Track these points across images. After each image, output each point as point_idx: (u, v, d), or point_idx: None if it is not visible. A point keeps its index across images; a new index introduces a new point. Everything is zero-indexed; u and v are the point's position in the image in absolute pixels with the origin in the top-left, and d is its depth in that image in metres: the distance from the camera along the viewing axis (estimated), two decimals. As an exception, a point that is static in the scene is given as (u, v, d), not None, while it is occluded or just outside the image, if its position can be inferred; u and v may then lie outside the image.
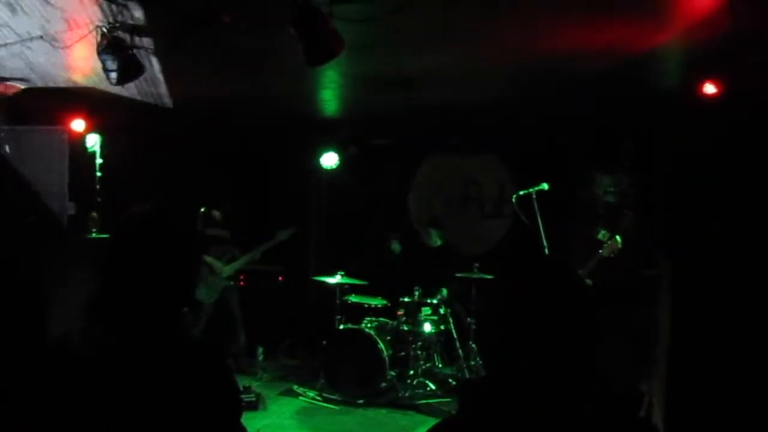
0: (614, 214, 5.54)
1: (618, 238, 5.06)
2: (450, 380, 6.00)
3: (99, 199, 6.00)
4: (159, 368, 1.44)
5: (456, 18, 3.93)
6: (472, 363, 6.04)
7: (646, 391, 4.80)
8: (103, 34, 3.99)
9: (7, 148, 5.22)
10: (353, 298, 6.32)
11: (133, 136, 6.35)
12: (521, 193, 5.13)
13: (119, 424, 1.40)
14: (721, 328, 4.40)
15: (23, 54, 4.56)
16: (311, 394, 5.87)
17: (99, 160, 6.15)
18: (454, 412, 1.44)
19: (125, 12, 3.84)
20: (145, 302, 1.49)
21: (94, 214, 5.68)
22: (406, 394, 5.70)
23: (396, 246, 6.76)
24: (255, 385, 5.87)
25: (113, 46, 3.99)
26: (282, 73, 5.06)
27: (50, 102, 5.64)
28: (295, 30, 3.50)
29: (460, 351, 6.04)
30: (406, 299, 6.07)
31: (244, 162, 7.51)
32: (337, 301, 6.22)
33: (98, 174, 6.12)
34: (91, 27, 4.02)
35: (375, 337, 5.74)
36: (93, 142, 6.16)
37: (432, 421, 5.10)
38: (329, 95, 6.12)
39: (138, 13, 3.89)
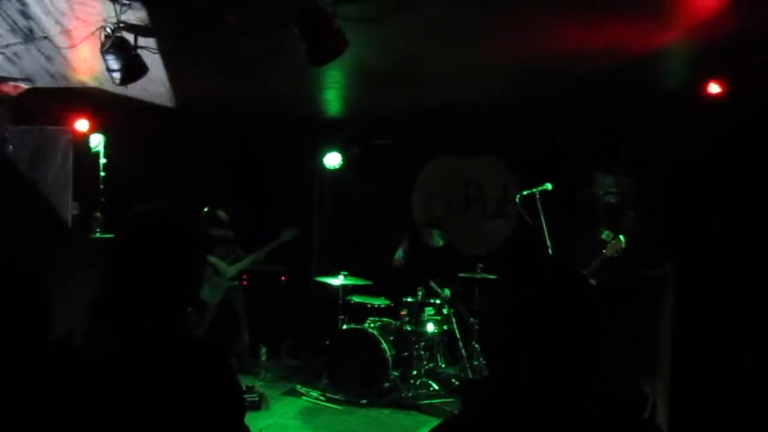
0: (616, 214, 5.53)
1: (622, 237, 5.05)
2: (453, 380, 5.99)
3: (103, 199, 6.02)
4: (162, 368, 1.44)
5: (458, 18, 3.93)
6: (475, 363, 6.04)
7: (650, 392, 4.79)
8: (107, 35, 3.99)
9: (11, 148, 5.23)
10: (356, 298, 6.32)
11: (137, 136, 6.36)
12: (524, 193, 5.12)
13: (122, 424, 1.40)
14: (725, 328, 4.39)
15: (27, 54, 4.57)
16: (314, 394, 5.88)
17: (103, 160, 6.17)
18: (456, 412, 1.44)
19: (129, 12, 3.85)
20: (148, 302, 1.49)
21: (98, 214, 5.69)
22: (409, 395, 5.70)
23: (399, 254, 6.73)
24: (258, 385, 5.88)
25: (117, 46, 4.00)
26: (285, 73, 5.07)
27: (54, 102, 5.66)
28: (298, 30, 3.51)
29: (463, 351, 6.03)
30: (409, 299, 6.07)
31: (248, 162, 7.52)
32: (340, 301, 6.22)
33: (102, 174, 6.13)
34: (95, 27, 4.03)
35: (378, 337, 5.74)
36: (97, 142, 6.17)
37: (435, 422, 5.09)
38: (332, 95, 6.12)
39: (142, 14, 3.90)
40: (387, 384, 5.68)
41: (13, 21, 3.98)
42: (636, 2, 3.66)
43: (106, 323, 1.48)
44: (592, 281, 4.95)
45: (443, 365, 6.13)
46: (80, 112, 6.01)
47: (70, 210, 5.39)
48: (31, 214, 5.10)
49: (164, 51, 4.46)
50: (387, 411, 5.54)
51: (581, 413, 1.34)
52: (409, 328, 5.95)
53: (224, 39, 4.24)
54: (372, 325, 6.00)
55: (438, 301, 6.11)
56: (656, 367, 4.80)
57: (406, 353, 5.90)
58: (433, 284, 6.04)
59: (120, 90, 4.78)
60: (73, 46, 4.34)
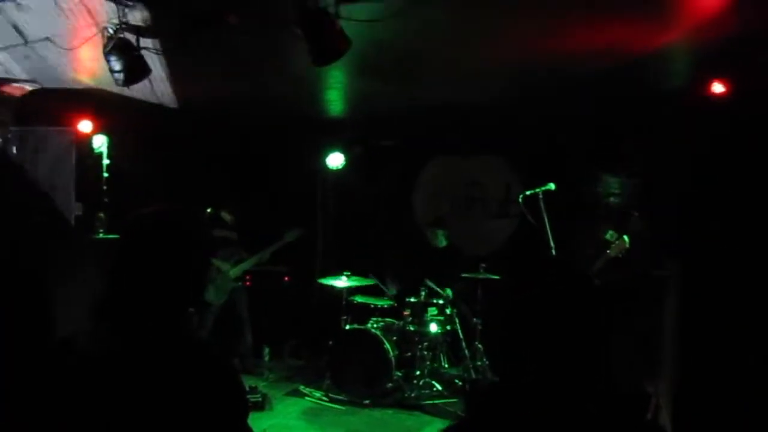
0: (620, 214, 5.51)
1: (626, 238, 5.03)
2: (456, 381, 5.98)
3: (106, 200, 6.03)
4: (166, 369, 1.44)
5: (459, 17, 3.93)
6: (479, 363, 6.03)
7: (653, 392, 4.78)
8: (109, 36, 4.00)
9: (14, 149, 5.25)
10: (359, 299, 6.32)
11: (140, 137, 6.37)
12: (528, 193, 5.11)
13: (126, 424, 1.40)
14: (728, 329, 4.38)
15: (31, 56, 4.58)
16: (317, 394, 5.87)
17: (106, 161, 6.18)
18: (460, 413, 1.44)
19: (131, 13, 3.85)
20: (152, 303, 1.49)
21: (101, 214, 5.71)
22: (413, 395, 5.69)
23: (390, 289, 6.67)
24: (261, 386, 5.87)
25: (119, 47, 4.00)
26: (287, 73, 5.07)
27: (57, 103, 5.67)
28: (300, 30, 3.51)
29: (466, 351, 6.02)
30: (412, 299, 6.07)
31: (251, 163, 7.52)
32: (343, 302, 6.22)
33: (105, 175, 6.15)
34: (98, 28, 4.04)
35: (381, 337, 5.73)
36: (100, 143, 6.19)
37: (438, 422, 5.07)
38: (334, 95, 6.13)
39: (144, 14, 3.90)
40: (390, 384, 5.67)
41: (16, 22, 3.99)
42: (638, 2, 3.65)
43: (110, 324, 1.49)
44: (596, 281, 4.95)
45: (446, 365, 6.13)
46: (83, 113, 6.02)
47: (73, 210, 5.42)
48: (34, 214, 5.11)
49: (167, 52, 4.47)
50: (390, 411, 5.54)
51: (583, 413, 1.34)
52: (412, 329, 5.94)
53: (227, 39, 4.24)
54: (375, 325, 6.00)
55: (441, 302, 6.10)
56: (660, 367, 4.79)
57: (409, 353, 5.89)
58: (430, 283, 6.02)
59: (123, 91, 4.79)
60: (75, 48, 4.35)
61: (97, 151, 6.15)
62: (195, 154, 6.90)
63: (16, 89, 5.39)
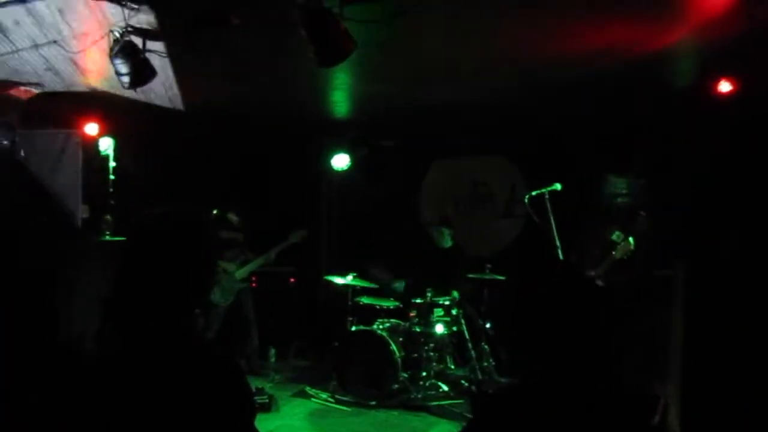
0: (628, 215, 5.49)
1: (631, 239, 5.02)
2: (462, 382, 5.97)
3: (112, 202, 6.05)
4: (173, 370, 1.44)
5: (464, 17, 3.92)
6: (485, 364, 6.02)
7: (661, 393, 4.76)
8: (115, 39, 4.02)
9: (21, 152, 5.27)
10: (365, 300, 6.32)
11: (146, 139, 6.39)
12: (534, 193, 5.10)
13: (133, 426, 1.40)
14: (735, 329, 4.35)
15: (37, 59, 4.60)
16: (324, 395, 5.88)
17: (112, 164, 6.20)
18: (466, 414, 1.44)
19: (137, 16, 3.86)
20: (158, 305, 1.49)
21: (108, 216, 5.72)
22: (419, 396, 5.69)
23: (398, 285, 6.70)
24: (267, 387, 5.88)
25: (125, 50, 4.02)
26: (293, 75, 5.08)
27: (64, 106, 5.70)
28: (306, 32, 3.51)
29: (472, 352, 6.01)
30: (418, 300, 6.06)
31: (256, 164, 7.53)
32: (349, 303, 6.22)
33: (111, 177, 6.17)
34: (104, 31, 4.05)
35: (387, 338, 5.73)
36: (106, 145, 6.21)
37: (444, 423, 5.06)
38: (339, 96, 6.13)
39: (150, 17, 3.91)
40: (396, 385, 5.67)
41: (23, 26, 4.01)
42: (644, 1, 3.64)
43: (117, 325, 1.49)
44: (602, 282, 4.93)
45: (452, 366, 6.11)
46: (89, 115, 6.04)
47: (80, 213, 5.43)
48: (41, 216, 5.13)
49: (172, 54, 4.49)
50: (396, 412, 5.53)
51: (590, 413, 1.33)
52: (418, 330, 5.93)
53: (232, 42, 4.26)
54: (381, 326, 5.99)
55: (447, 302, 6.09)
56: (667, 368, 4.77)
57: (415, 355, 5.88)
58: (428, 294, 6.00)
59: (129, 93, 4.81)
60: (82, 51, 4.37)
61: (103, 153, 6.18)
62: (201, 156, 6.92)
63: (22, 92, 5.42)
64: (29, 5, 3.73)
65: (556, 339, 1.37)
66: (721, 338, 4.28)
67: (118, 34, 3.99)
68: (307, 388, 6.08)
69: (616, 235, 5.12)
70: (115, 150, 6.23)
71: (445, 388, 5.82)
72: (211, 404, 1.44)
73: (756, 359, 4.15)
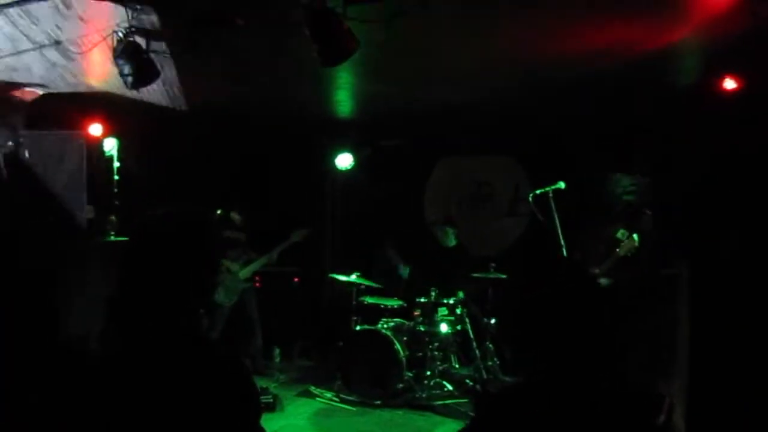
0: (633, 213, 5.48)
1: (635, 237, 5.00)
2: (467, 381, 5.97)
3: (117, 203, 6.06)
4: (178, 370, 1.44)
5: (468, 17, 3.91)
6: (489, 363, 6.01)
7: (667, 392, 4.75)
8: (118, 39, 4.02)
9: (26, 153, 5.28)
10: (369, 299, 6.32)
11: (150, 139, 6.40)
12: (537, 192, 5.09)
13: (139, 426, 1.40)
14: (741, 327, 4.34)
15: (41, 60, 4.62)
16: (328, 395, 5.88)
17: (116, 164, 6.22)
18: (471, 413, 1.44)
19: (140, 16, 3.87)
20: (163, 305, 1.49)
21: (113, 217, 5.73)
22: (423, 395, 5.69)
23: (403, 269, 6.71)
24: (272, 387, 5.89)
25: (129, 50, 4.02)
26: (297, 74, 5.08)
27: (68, 107, 5.71)
28: (309, 31, 3.51)
29: (476, 351, 6.01)
30: (422, 300, 6.06)
31: (260, 164, 7.54)
32: (353, 302, 6.22)
33: (116, 177, 6.18)
34: (107, 32, 4.06)
35: (392, 337, 5.73)
36: (110, 146, 6.22)
37: (449, 422, 5.06)
38: (343, 96, 6.13)
39: (153, 18, 3.92)
40: (401, 385, 5.67)
41: (26, 27, 4.02)
42: (647, 1, 3.63)
43: (121, 325, 1.49)
44: (606, 280, 4.92)
45: (457, 366, 6.11)
46: (94, 116, 6.06)
47: (84, 213, 5.44)
48: (46, 217, 5.15)
49: (176, 54, 4.49)
50: (401, 412, 5.53)
51: (593, 412, 1.33)
52: (422, 329, 5.93)
53: (235, 42, 4.26)
54: (385, 325, 5.99)
55: (451, 301, 6.09)
56: (671, 366, 4.75)
57: (419, 354, 5.88)
58: (433, 293, 5.99)
59: (133, 94, 4.81)
60: (85, 51, 4.37)
61: (107, 154, 6.19)
62: (205, 156, 6.93)
63: (26, 93, 5.43)
64: (32, 6, 3.74)
65: (559, 337, 1.37)
66: (727, 336, 4.27)
67: (121, 35, 3.99)
68: (312, 388, 6.08)
69: (620, 233, 5.11)
70: (120, 150, 6.24)
71: (450, 387, 5.82)
72: (217, 403, 1.44)
73: (762, 358, 4.14)
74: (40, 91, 5.44)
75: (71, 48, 4.35)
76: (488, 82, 5.37)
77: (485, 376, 5.91)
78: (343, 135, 7.44)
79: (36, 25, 3.99)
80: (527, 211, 6.49)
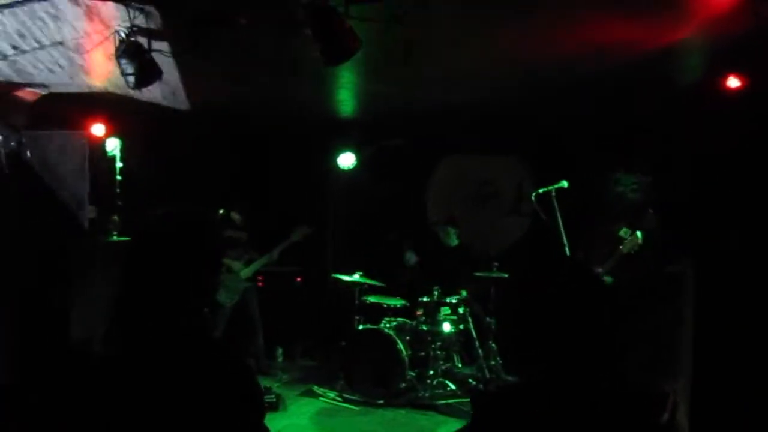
0: (637, 211, 5.47)
1: (639, 234, 4.99)
2: (470, 380, 5.96)
3: (119, 203, 6.07)
4: (183, 370, 1.44)
5: (467, 17, 3.91)
6: (492, 363, 6.01)
7: (671, 390, 4.74)
8: (120, 39, 4.02)
9: (28, 153, 5.29)
10: (372, 299, 6.32)
11: (153, 139, 6.41)
12: (540, 191, 5.09)
13: (144, 425, 1.40)
14: (745, 325, 4.33)
15: (43, 60, 4.62)
16: (331, 394, 5.88)
17: (119, 164, 6.22)
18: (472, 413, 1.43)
19: (142, 16, 3.87)
20: (166, 305, 1.49)
21: (115, 217, 5.74)
22: (426, 395, 5.68)
23: (410, 256, 6.71)
24: (275, 386, 5.89)
25: (131, 50, 4.03)
26: (299, 74, 5.07)
27: (70, 107, 5.71)
28: (311, 31, 3.51)
29: (479, 351, 6.00)
30: (425, 299, 6.06)
31: (262, 163, 7.54)
32: (356, 302, 6.22)
33: (118, 178, 6.19)
34: (110, 32, 4.06)
35: (394, 337, 5.73)
36: (113, 146, 6.23)
37: (452, 422, 5.06)
38: (345, 95, 6.13)
39: (155, 17, 3.92)
40: (403, 384, 5.67)
41: (28, 27, 4.02)
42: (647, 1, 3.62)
43: (125, 325, 1.49)
44: (609, 278, 4.91)
45: (460, 365, 6.11)
46: (96, 116, 6.07)
47: (87, 214, 5.44)
48: (49, 217, 5.15)
49: (178, 54, 4.49)
50: (403, 411, 5.53)
51: (593, 412, 1.33)
52: (425, 328, 5.93)
53: (238, 41, 4.26)
54: (388, 325, 5.99)
55: (454, 301, 6.09)
56: (672, 365, 4.74)
57: (422, 353, 5.88)
58: (435, 292, 5.99)
59: (135, 94, 4.82)
60: (87, 51, 4.38)
61: (110, 154, 6.20)
62: (208, 156, 6.93)
63: (29, 93, 5.43)
64: (33, 6, 3.74)
65: (560, 337, 1.36)
66: (730, 335, 4.26)
67: (123, 35, 4.00)
68: (315, 388, 6.08)
69: (623, 231, 5.10)
70: (122, 150, 6.25)
71: (453, 386, 5.82)
72: (221, 403, 1.44)
73: (765, 355, 4.13)
74: (42, 92, 5.45)
75: (73, 48, 4.35)
76: (489, 82, 5.36)
77: (488, 376, 5.90)
78: (345, 134, 7.43)
79: (38, 25, 3.99)
80: (530, 210, 6.47)
